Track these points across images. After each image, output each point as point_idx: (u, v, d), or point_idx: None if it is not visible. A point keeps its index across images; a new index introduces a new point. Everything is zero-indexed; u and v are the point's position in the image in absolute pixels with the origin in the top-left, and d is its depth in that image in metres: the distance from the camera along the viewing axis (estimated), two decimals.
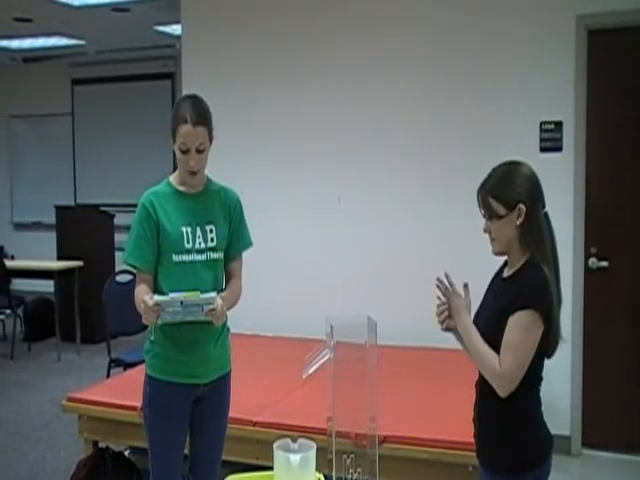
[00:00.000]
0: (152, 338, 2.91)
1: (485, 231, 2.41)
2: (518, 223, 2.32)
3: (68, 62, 10.08)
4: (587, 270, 4.79)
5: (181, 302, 2.67)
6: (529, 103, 4.81)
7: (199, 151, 2.80)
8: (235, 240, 3.02)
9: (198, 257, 2.88)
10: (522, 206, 2.30)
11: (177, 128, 2.78)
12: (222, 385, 3.00)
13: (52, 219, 8.56)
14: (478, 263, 4.91)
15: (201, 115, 2.79)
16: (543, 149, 4.75)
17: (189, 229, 2.87)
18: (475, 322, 2.44)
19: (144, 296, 2.68)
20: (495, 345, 2.29)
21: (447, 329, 2.46)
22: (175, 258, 2.84)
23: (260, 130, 5.63)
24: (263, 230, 5.52)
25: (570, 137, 4.72)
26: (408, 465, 3.28)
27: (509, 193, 2.32)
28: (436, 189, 5.09)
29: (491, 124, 4.91)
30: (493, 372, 2.28)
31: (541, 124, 4.78)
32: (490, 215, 2.35)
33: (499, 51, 4.90)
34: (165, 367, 2.87)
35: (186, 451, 2.99)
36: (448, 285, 2.45)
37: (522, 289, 2.29)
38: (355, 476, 2.43)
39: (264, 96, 5.60)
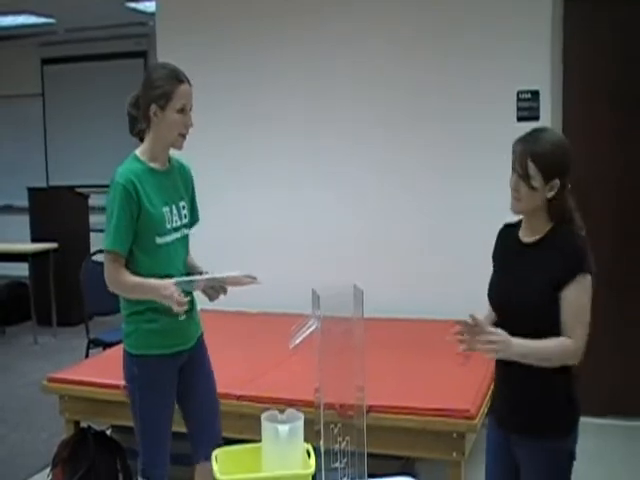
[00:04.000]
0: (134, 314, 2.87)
1: (511, 186, 2.33)
2: (549, 196, 2.28)
3: (37, 41, 9.87)
4: None
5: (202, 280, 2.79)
6: (506, 72, 4.77)
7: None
8: (191, 214, 3.02)
9: (176, 235, 2.88)
10: (557, 181, 2.26)
11: (174, 90, 2.76)
12: (201, 345, 3.05)
13: (24, 202, 8.44)
14: (460, 235, 4.99)
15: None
16: (520, 118, 4.70)
17: (167, 209, 2.85)
18: (499, 291, 2.40)
19: (168, 286, 2.68)
20: (546, 315, 2.26)
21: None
22: (158, 240, 2.81)
23: (240, 109, 5.54)
24: (244, 206, 5.50)
25: (547, 106, 4.70)
26: (394, 434, 3.28)
27: (552, 166, 2.25)
28: (416, 160, 5.05)
29: (468, 95, 4.87)
30: (568, 354, 2.26)
31: (518, 93, 4.74)
32: (522, 176, 2.27)
33: (475, 20, 4.85)
34: (152, 341, 2.85)
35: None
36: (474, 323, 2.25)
37: (571, 255, 2.27)
38: (343, 445, 2.42)
39: (244, 75, 5.47)
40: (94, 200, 8.51)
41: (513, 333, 2.24)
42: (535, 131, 2.34)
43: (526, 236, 2.38)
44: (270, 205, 5.42)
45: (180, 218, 2.90)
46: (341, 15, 5.17)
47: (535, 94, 4.72)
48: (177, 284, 2.69)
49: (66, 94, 9.91)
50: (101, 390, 3.82)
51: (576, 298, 2.24)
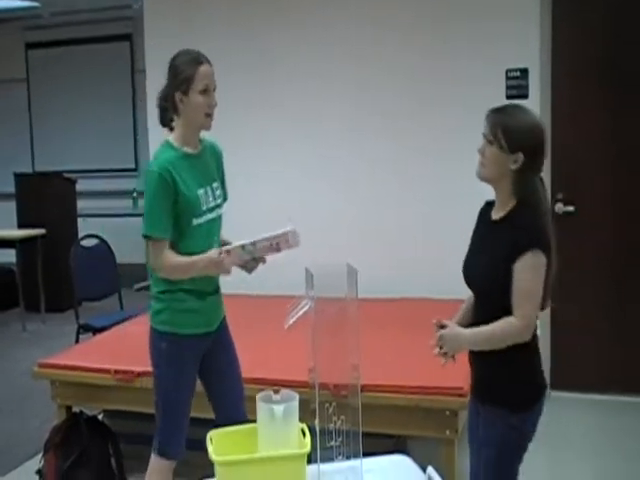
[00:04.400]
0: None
1: (479, 151, 2.39)
2: (513, 168, 2.30)
3: (22, 25, 9.77)
4: (554, 215, 4.79)
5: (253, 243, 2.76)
6: (495, 51, 4.78)
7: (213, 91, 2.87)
8: (222, 194, 3.09)
9: (210, 215, 2.94)
10: (521, 155, 2.28)
11: (195, 72, 2.81)
12: (225, 329, 3.13)
13: (9, 188, 8.36)
14: (451, 219, 4.99)
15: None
16: (509, 96, 4.70)
17: (202, 191, 2.91)
18: (468, 267, 2.43)
19: (213, 255, 2.77)
20: (498, 288, 2.28)
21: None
22: (194, 222, 2.87)
23: (230, 94, 5.48)
24: (237, 191, 5.46)
25: (536, 84, 4.71)
26: (387, 412, 3.29)
27: (518, 139, 2.30)
28: (404, 141, 5.05)
29: (458, 74, 4.87)
30: (514, 333, 2.27)
31: (507, 71, 4.75)
32: (490, 141, 2.33)
33: (467, 2, 4.84)
34: (182, 320, 2.90)
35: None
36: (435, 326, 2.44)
37: (523, 231, 2.28)
38: (338, 425, 2.42)
39: (235, 59, 5.41)
40: (81, 185, 8.46)
41: (483, 308, 2.37)
42: (511, 106, 2.43)
43: (495, 213, 2.41)
44: (263, 190, 5.40)
45: (214, 198, 2.96)
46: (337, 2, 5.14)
47: (524, 72, 4.71)
48: (243, 248, 2.76)
49: (51, 78, 9.81)
50: (92, 375, 3.81)
51: (523, 275, 2.25)
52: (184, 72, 2.82)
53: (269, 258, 2.91)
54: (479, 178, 2.41)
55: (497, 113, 2.36)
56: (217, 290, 3.06)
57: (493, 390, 2.40)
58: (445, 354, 2.42)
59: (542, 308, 2.37)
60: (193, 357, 2.97)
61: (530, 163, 2.30)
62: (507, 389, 2.36)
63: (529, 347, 2.32)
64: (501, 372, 2.36)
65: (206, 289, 2.97)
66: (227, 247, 2.82)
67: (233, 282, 4.86)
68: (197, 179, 2.90)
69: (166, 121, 2.94)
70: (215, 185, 2.99)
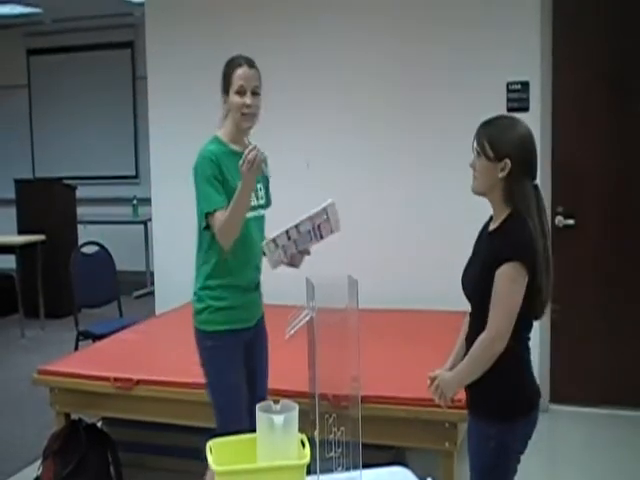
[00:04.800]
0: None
1: (471, 166, 2.43)
2: (501, 176, 2.34)
3: (23, 31, 9.81)
4: (554, 228, 4.82)
5: (296, 226, 2.74)
6: (496, 64, 4.80)
7: (254, 94, 2.93)
8: (266, 197, 3.14)
9: (252, 214, 2.96)
10: (508, 161, 2.32)
11: (232, 73, 2.93)
12: (262, 327, 3.18)
13: (9, 194, 8.37)
14: (450, 224, 5.00)
15: (254, 62, 2.99)
16: (510, 109, 4.72)
17: None
18: (464, 276, 2.47)
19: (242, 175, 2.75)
20: (483, 298, 2.30)
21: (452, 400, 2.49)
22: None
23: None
24: None
25: (537, 97, 4.73)
26: (387, 424, 3.29)
27: (503, 145, 2.34)
28: (406, 152, 5.06)
29: (459, 86, 4.90)
30: (486, 346, 2.30)
31: (508, 85, 4.77)
32: (479, 152, 2.38)
33: (466, 13, 4.87)
34: (221, 318, 2.96)
35: None
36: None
37: (505, 242, 2.31)
38: (338, 435, 2.43)
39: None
40: (81, 192, 8.47)
41: (475, 316, 2.40)
42: (499, 117, 2.46)
43: (492, 225, 2.44)
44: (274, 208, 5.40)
45: (256, 198, 2.99)
46: (346, 8, 5.17)
47: (525, 85, 4.74)
48: (287, 233, 2.75)
49: (52, 85, 9.83)
50: (91, 382, 3.80)
51: (499, 285, 2.27)
52: (225, 74, 2.96)
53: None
54: (474, 192, 2.45)
55: (484, 126, 2.41)
56: (257, 287, 3.11)
57: (474, 401, 2.42)
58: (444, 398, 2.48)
59: (536, 318, 2.40)
60: (236, 353, 3.00)
61: (518, 169, 2.33)
62: (486, 400, 2.37)
63: (513, 360, 2.32)
64: (483, 384, 2.37)
65: (245, 284, 3.01)
66: (272, 236, 2.82)
67: None
68: (240, 176, 2.87)
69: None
70: (258, 186, 3.01)
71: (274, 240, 2.79)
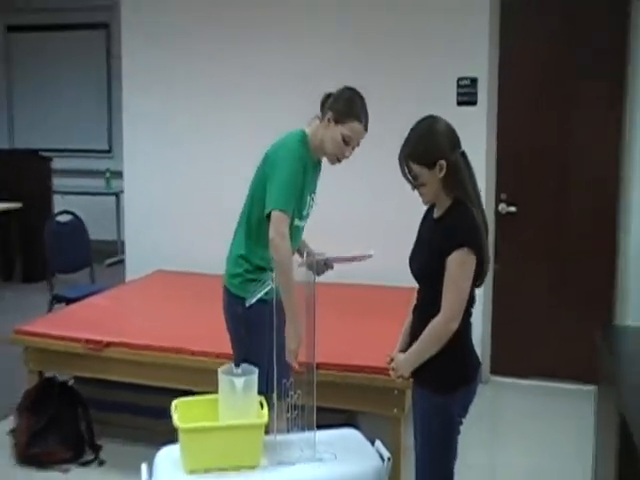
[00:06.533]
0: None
1: (413, 189, 2.42)
2: (440, 176, 2.34)
3: (3, 8, 9.54)
4: (497, 215, 4.89)
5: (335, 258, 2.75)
6: (448, 61, 4.82)
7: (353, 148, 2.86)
8: None
9: (303, 223, 2.95)
10: (442, 162, 2.32)
11: (352, 122, 2.80)
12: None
13: None
14: (406, 210, 5.00)
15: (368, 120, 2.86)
16: (460, 103, 4.78)
17: (309, 197, 2.92)
18: (412, 259, 2.48)
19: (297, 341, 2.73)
20: (433, 282, 2.32)
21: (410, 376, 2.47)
22: (296, 222, 2.86)
23: (196, 83, 5.45)
24: (215, 169, 5.43)
25: (484, 92, 4.77)
26: (340, 389, 3.32)
27: (428, 155, 2.33)
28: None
29: (413, 80, 4.90)
30: (441, 327, 2.30)
31: (458, 80, 4.80)
32: (414, 179, 2.36)
33: (421, 12, 4.87)
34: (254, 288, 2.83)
35: None
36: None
37: (454, 230, 2.32)
38: (294, 399, 2.46)
39: (206, 50, 5.39)
40: (57, 163, 8.34)
41: (423, 294, 2.44)
42: (411, 132, 2.40)
43: (436, 213, 2.45)
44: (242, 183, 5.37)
45: (310, 208, 2.96)
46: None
47: (474, 81, 4.78)
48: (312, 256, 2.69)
49: (31, 62, 9.59)
50: (63, 343, 3.77)
51: (451, 271, 2.29)
52: (347, 110, 2.81)
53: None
54: (426, 205, 2.48)
55: (399, 152, 2.38)
56: None
57: (419, 373, 2.41)
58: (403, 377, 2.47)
59: (479, 285, 2.39)
60: (265, 319, 2.81)
61: (451, 156, 2.32)
62: (430, 372, 2.37)
63: (454, 335, 2.32)
64: (438, 356, 2.37)
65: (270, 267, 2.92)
66: (316, 254, 2.75)
67: (199, 261, 4.89)
68: (310, 185, 2.90)
69: (324, 109, 2.89)
70: (313, 196, 2.98)
71: (314, 256, 2.72)
